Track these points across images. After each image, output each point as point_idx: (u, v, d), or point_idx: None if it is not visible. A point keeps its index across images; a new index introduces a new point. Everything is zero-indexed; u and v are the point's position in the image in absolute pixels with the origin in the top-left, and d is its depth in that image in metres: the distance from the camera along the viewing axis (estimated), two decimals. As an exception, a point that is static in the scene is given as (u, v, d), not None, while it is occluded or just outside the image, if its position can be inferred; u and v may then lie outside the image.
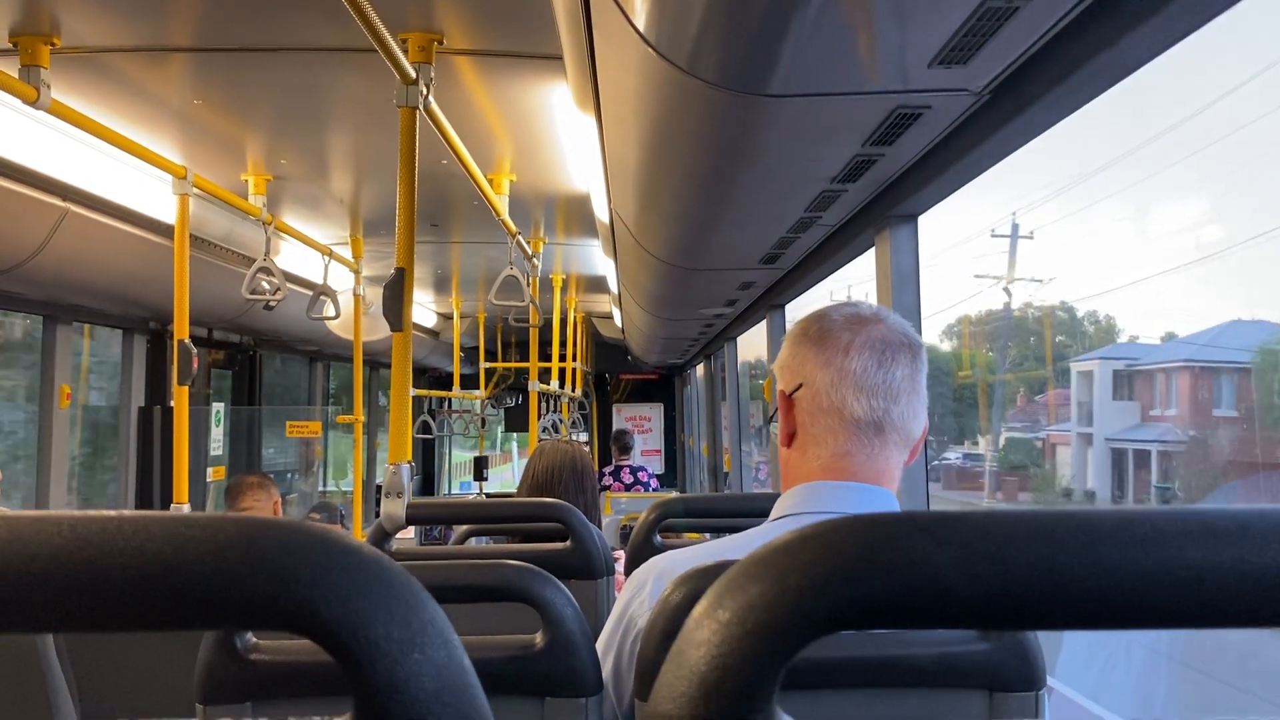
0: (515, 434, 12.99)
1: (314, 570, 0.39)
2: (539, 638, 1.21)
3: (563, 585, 1.24)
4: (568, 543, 2.01)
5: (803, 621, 0.38)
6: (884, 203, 2.15)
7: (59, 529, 0.38)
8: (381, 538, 2.01)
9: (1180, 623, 0.38)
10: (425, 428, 7.08)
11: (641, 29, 1.38)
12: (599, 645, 1.29)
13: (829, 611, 0.38)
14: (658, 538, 1.95)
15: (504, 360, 8.22)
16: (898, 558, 0.38)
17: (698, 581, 0.98)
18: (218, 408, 5.14)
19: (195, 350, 3.00)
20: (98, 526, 0.38)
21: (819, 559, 0.39)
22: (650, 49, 1.41)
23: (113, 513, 0.39)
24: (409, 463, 2.11)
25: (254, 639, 1.13)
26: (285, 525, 0.40)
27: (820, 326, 1.19)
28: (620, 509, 5.58)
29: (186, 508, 2.93)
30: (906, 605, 0.38)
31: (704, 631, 0.39)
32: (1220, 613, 0.38)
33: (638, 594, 1.24)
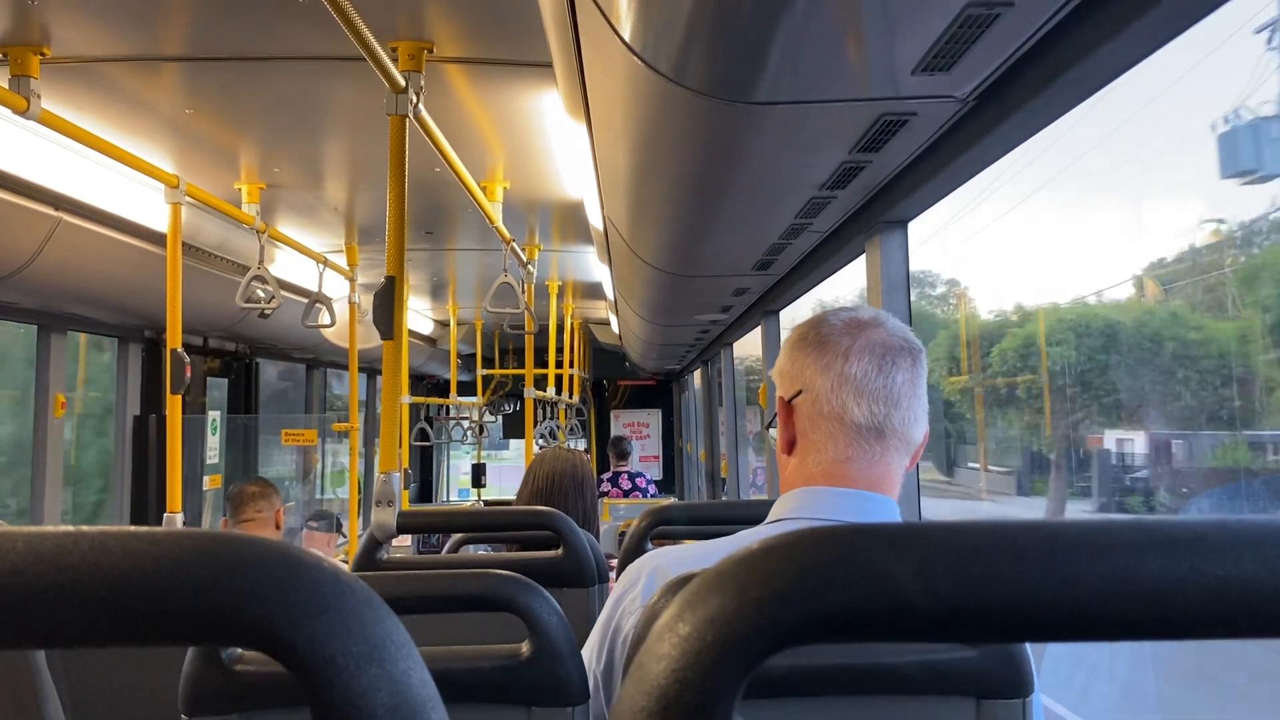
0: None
1: (272, 585, 0.38)
2: (525, 647, 1.21)
3: (548, 594, 1.24)
4: (560, 550, 2.01)
5: (762, 635, 0.38)
6: (874, 209, 2.16)
7: (14, 545, 0.38)
8: (373, 547, 2.00)
9: (1139, 634, 0.38)
10: (423, 435, 7.07)
11: (627, 38, 1.38)
12: (590, 642, 1.28)
13: (789, 625, 0.38)
14: (650, 545, 1.95)
15: (501, 367, 8.21)
16: (858, 570, 0.38)
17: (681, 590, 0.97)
18: (213, 416, 5.13)
19: (188, 359, 3.00)
20: (53, 542, 0.38)
21: (779, 571, 0.39)
22: (636, 58, 1.41)
23: (70, 528, 0.39)
24: (400, 471, 2.11)
25: (239, 651, 1.13)
26: (243, 540, 0.40)
27: (819, 332, 1.17)
28: (618, 515, 5.57)
29: (180, 517, 2.93)
30: (867, 619, 0.38)
31: (664, 645, 0.39)
32: (1179, 625, 0.38)
33: (630, 590, 1.23)
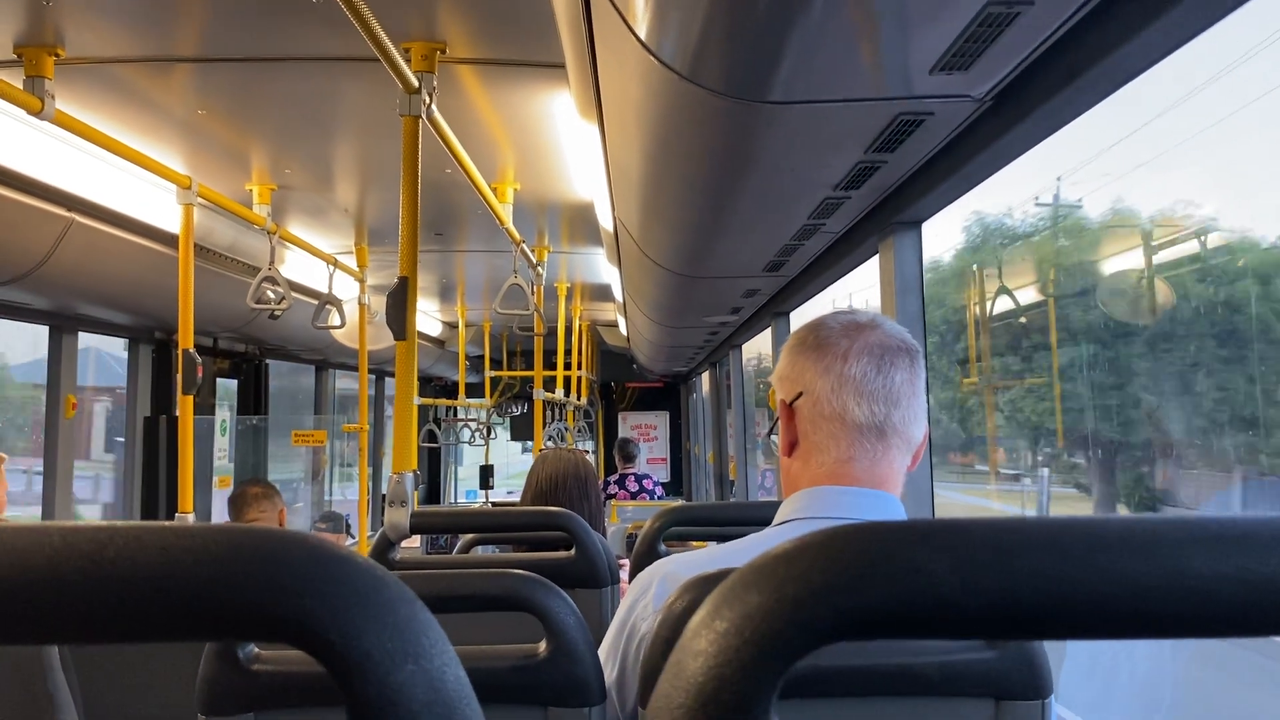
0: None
1: (307, 581, 0.38)
2: (542, 647, 1.21)
3: (565, 594, 1.24)
4: (572, 551, 2.01)
5: (801, 632, 0.38)
6: (887, 209, 2.15)
7: (50, 540, 0.38)
8: (386, 547, 2.00)
9: (1184, 632, 0.38)
10: (431, 436, 7.08)
11: (643, 36, 1.38)
12: (604, 649, 1.29)
13: (827, 622, 0.38)
14: (662, 546, 1.95)
15: (509, 369, 8.22)
16: (896, 567, 0.38)
17: (702, 589, 0.97)
18: (223, 417, 5.14)
19: (199, 359, 3.00)
20: (89, 537, 0.38)
21: (818, 568, 0.38)
22: (652, 56, 1.41)
23: (105, 523, 0.39)
24: (413, 471, 2.11)
25: (256, 649, 1.13)
26: (278, 535, 0.40)
27: (818, 335, 1.20)
28: (626, 517, 5.57)
29: (191, 517, 2.93)
30: (905, 615, 0.38)
31: (701, 641, 0.39)
32: (1224, 622, 0.37)
33: (642, 597, 1.24)
